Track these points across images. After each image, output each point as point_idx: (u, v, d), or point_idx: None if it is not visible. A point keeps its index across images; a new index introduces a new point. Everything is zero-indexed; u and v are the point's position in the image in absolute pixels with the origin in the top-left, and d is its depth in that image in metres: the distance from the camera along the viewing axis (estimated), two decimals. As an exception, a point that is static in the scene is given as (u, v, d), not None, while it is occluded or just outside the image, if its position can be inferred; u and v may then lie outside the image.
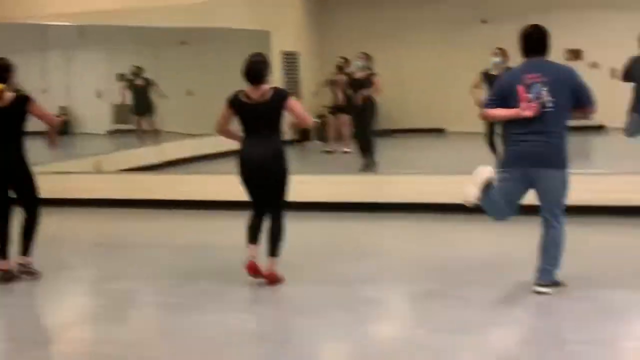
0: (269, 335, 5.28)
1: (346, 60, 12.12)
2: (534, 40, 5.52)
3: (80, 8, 10.44)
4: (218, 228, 8.86)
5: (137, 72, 12.60)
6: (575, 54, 12.19)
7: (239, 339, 5.14)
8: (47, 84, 12.39)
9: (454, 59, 12.54)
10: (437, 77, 13.08)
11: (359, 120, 10.56)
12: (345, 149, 12.03)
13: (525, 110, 5.36)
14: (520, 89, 5.39)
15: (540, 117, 5.36)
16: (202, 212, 9.59)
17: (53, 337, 5.60)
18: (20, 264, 6.55)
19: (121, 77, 13.26)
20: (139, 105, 12.71)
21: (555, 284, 5.53)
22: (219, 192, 9.60)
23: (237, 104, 6.04)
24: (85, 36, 13.15)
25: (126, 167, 11.28)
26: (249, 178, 6.11)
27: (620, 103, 9.07)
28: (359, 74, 10.57)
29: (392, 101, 11.32)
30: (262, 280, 6.10)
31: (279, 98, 5.98)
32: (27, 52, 12.67)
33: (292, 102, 6.03)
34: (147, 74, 12.60)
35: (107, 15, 10.93)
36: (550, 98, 5.37)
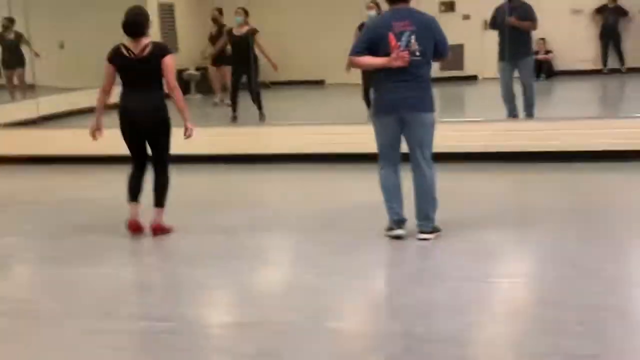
0: (156, 286, 5.33)
1: (220, 12, 12.05)
2: None
3: None
4: (97, 182, 8.75)
5: (8, 25, 12.06)
6: (449, 6, 12.52)
7: (127, 290, 5.17)
8: None
9: (334, 11, 12.64)
10: (316, 28, 13.17)
11: (248, 75, 10.63)
12: (225, 102, 12.02)
13: (397, 61, 5.52)
14: (391, 36, 5.53)
15: (409, 65, 5.53)
16: (79, 167, 9.42)
17: None
18: None
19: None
20: (9, 60, 12.21)
21: (435, 230, 5.79)
22: (95, 146, 9.38)
23: (117, 59, 6.00)
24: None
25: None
26: (130, 132, 6.09)
27: (492, 55, 9.46)
28: (239, 31, 10.62)
29: (271, 53, 11.32)
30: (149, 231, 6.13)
31: (159, 53, 5.97)
32: None
33: (168, 61, 5.97)
34: (17, 26, 12.09)
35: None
36: (418, 46, 5.55)
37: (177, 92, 6.03)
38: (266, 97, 10.84)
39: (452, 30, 11.56)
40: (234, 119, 10.59)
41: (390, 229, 5.84)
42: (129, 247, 6.09)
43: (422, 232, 5.77)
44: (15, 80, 12.35)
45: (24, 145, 9.98)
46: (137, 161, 6.22)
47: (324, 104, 12.36)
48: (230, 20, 11.21)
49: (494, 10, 9.36)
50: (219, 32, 12.05)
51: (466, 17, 12.47)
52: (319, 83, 13.72)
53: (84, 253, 5.95)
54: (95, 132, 6.22)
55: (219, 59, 12.12)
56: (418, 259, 5.56)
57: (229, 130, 9.88)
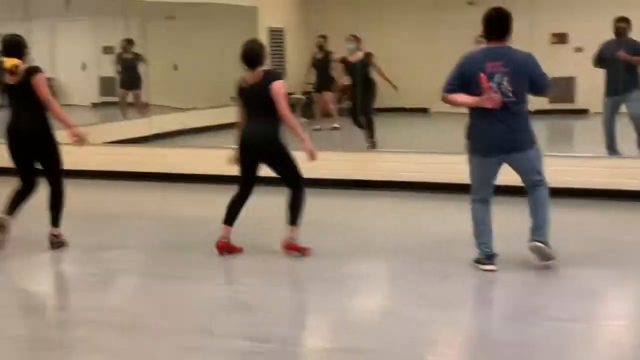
0: (256, 306, 5.39)
1: (324, 38, 12.22)
2: (496, 24, 5.57)
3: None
4: (205, 200, 8.95)
5: (126, 46, 12.56)
6: (561, 38, 12.30)
7: (227, 308, 5.27)
8: (32, 55, 12.34)
9: (439, 40, 12.62)
10: (422, 57, 13.17)
11: (362, 101, 10.74)
12: (335, 125, 12.18)
13: (487, 102, 5.46)
14: (482, 76, 5.48)
15: (503, 106, 5.47)
16: (188, 185, 9.69)
17: (42, 304, 5.70)
18: (52, 234, 6.69)
19: (106, 49, 13.24)
20: (126, 79, 12.68)
21: (546, 243, 5.64)
22: (205, 165, 9.71)
23: (239, 91, 6.23)
24: (71, 7, 13.09)
25: (113, 139, 11.33)
26: (244, 158, 6.25)
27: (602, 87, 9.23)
28: (353, 57, 10.72)
29: (375, 79, 11.39)
30: (249, 252, 6.24)
31: (269, 79, 6.11)
32: (11, 22, 12.63)
33: (277, 86, 6.08)
34: (135, 48, 12.58)
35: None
36: (510, 88, 5.48)
37: (288, 119, 6.15)
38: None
39: (564, 62, 11.42)
40: (373, 145, 10.55)
41: (479, 261, 5.76)
42: (231, 266, 6.22)
43: (533, 240, 5.65)
44: (131, 99, 12.80)
45: (135, 162, 10.34)
46: (244, 185, 6.36)
47: (427, 132, 12.31)
48: (334, 46, 11.36)
49: (600, 47, 9.14)
50: (324, 58, 12.20)
51: (578, 49, 12.21)
52: (423, 111, 13.69)
53: (186, 269, 6.10)
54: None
55: (321, 85, 12.26)
56: (519, 293, 5.45)
57: (333, 155, 9.94)
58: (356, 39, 10.77)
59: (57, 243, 6.71)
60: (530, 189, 5.72)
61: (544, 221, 5.68)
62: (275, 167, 6.27)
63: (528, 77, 5.54)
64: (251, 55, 6.14)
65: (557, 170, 8.14)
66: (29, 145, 6.65)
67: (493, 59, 5.52)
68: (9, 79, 6.52)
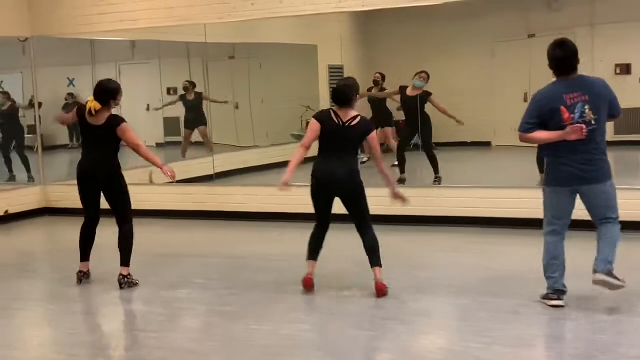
0: (322, 346, 5.39)
1: (383, 77, 12.24)
2: (564, 62, 5.51)
3: (130, 25, 10.71)
4: (266, 239, 9.03)
5: (188, 87, 12.79)
6: (625, 69, 12.09)
7: (292, 348, 5.26)
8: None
9: (501, 73, 12.54)
10: (483, 90, 13.09)
11: (423, 137, 10.76)
12: (395, 163, 12.15)
13: (572, 134, 5.40)
14: (563, 109, 5.43)
15: (586, 137, 5.40)
16: (252, 223, 9.78)
17: (113, 344, 5.79)
18: (121, 275, 6.88)
19: (170, 91, 13.51)
20: (190, 119, 12.89)
21: (611, 274, 5.52)
22: (269, 203, 9.81)
23: (326, 121, 6.25)
24: (135, 51, 13.44)
25: (178, 179, 11.51)
26: (322, 196, 6.30)
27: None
28: (413, 92, 10.73)
29: (437, 114, 11.35)
30: (316, 290, 6.26)
31: (365, 127, 6.25)
32: (79, 66, 13.03)
33: (373, 135, 6.26)
34: (197, 88, 12.82)
35: (156, 32, 11.19)
36: (593, 115, 5.42)
37: (381, 162, 6.33)
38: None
39: (629, 93, 11.21)
40: (402, 180, 10.59)
41: (548, 297, 5.66)
42: (295, 305, 6.23)
43: (596, 272, 5.53)
44: (195, 138, 12.94)
45: (199, 201, 10.49)
46: (321, 222, 6.40)
47: (490, 166, 12.20)
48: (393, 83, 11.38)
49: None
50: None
51: (645, 79, 12.00)
52: (485, 145, 13.58)
53: (251, 308, 6.14)
54: (284, 185, 6.26)
55: (380, 121, 12.23)
56: (588, 331, 5.32)
57: (387, 191, 9.92)
58: (427, 76, 10.76)
59: (126, 283, 6.85)
60: (602, 225, 5.61)
61: (609, 254, 5.55)
62: (357, 205, 6.28)
63: (607, 101, 5.51)
64: (344, 93, 6.22)
65: (625, 202, 7.99)
66: (98, 185, 6.90)
67: (571, 90, 5.47)
68: (90, 119, 6.81)
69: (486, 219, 8.78)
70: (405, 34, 11.93)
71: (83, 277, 7.07)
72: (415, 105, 10.70)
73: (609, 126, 5.75)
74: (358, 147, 6.33)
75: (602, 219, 5.61)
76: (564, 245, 5.68)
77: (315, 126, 6.25)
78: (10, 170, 12.15)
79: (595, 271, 5.54)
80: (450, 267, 7.29)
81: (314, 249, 6.37)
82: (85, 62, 12.70)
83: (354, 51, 14.00)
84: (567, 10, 11.30)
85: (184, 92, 12.88)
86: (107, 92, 6.81)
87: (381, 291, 6.17)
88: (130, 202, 7.03)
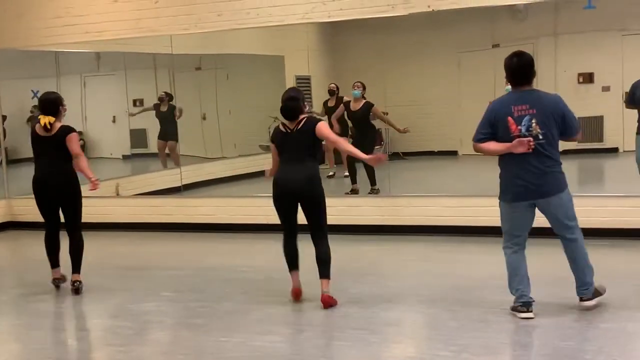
0: (292, 356, 5.37)
1: (337, 87, 12.29)
2: (518, 71, 5.56)
3: (95, 37, 10.65)
4: (235, 250, 9.01)
5: (164, 97, 12.70)
6: (588, 78, 12.28)
7: (260, 358, 5.23)
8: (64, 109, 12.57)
9: (466, 83, 12.66)
10: (450, 100, 13.20)
11: (364, 148, 10.80)
12: (346, 173, 12.17)
13: (518, 147, 5.44)
14: (510, 120, 5.48)
15: (533, 150, 5.44)
16: (219, 234, 9.75)
17: (82, 359, 5.73)
18: (78, 281, 7.07)
19: (136, 102, 13.42)
20: (162, 130, 12.80)
21: (597, 293, 5.68)
22: (237, 214, 9.80)
23: (277, 137, 6.33)
24: (101, 62, 13.35)
25: (144, 190, 11.47)
26: (283, 202, 6.30)
27: (632, 127, 9.17)
28: (356, 105, 10.80)
29: (403, 124, 11.42)
30: (281, 300, 6.24)
31: (312, 125, 6.24)
32: (43, 78, 12.90)
33: (321, 127, 6.24)
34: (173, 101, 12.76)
35: (122, 43, 11.13)
36: (540, 130, 5.46)
37: (341, 141, 6.46)
38: (399, 167, 10.92)
39: (591, 102, 11.39)
40: (355, 190, 10.63)
41: (515, 309, 5.70)
42: (265, 316, 6.20)
43: (582, 300, 5.65)
44: (168, 150, 12.89)
45: (166, 213, 10.44)
46: (289, 230, 6.41)
47: (456, 175, 12.28)
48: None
49: (632, 87, 9.12)
50: (336, 105, 12.22)
51: (606, 88, 12.16)
52: (452, 154, 13.68)
53: (221, 320, 6.11)
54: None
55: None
56: (555, 338, 5.37)
57: (362, 200, 9.97)
58: (362, 85, 10.89)
59: (80, 288, 7.03)
60: (564, 240, 5.65)
61: (583, 276, 5.63)
62: (309, 210, 6.28)
63: (558, 118, 5.51)
64: (292, 109, 6.27)
65: (589, 210, 8.11)
66: (54, 194, 7.03)
67: (519, 102, 5.51)
68: (42, 133, 6.97)
69: (454, 227, 8.85)
70: (371, 44, 11.97)
71: (59, 282, 7.19)
72: (360, 117, 10.80)
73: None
74: (315, 150, 6.31)
75: (561, 232, 5.64)
76: (524, 257, 5.72)
77: (273, 149, 6.41)
78: None
79: (580, 299, 5.64)
80: (419, 276, 7.32)
81: (291, 258, 6.37)
82: (50, 75, 12.59)
83: (321, 61, 14.05)
84: (531, 20, 11.45)
85: (158, 102, 12.78)
86: (53, 102, 7.04)
87: (327, 303, 6.18)
88: (81, 211, 7.14)
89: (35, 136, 7.07)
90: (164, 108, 12.63)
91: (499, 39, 12.37)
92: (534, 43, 11.68)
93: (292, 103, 6.28)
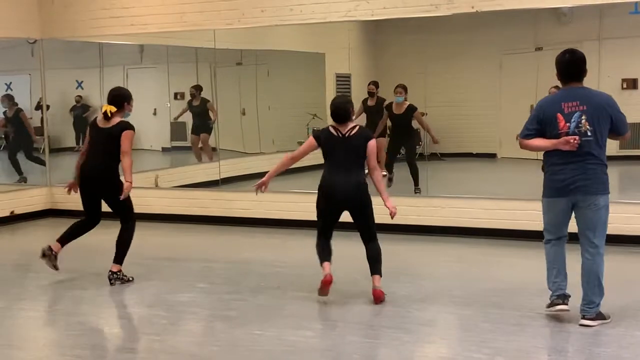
0: (325, 352, 5.40)
1: (377, 85, 12.25)
2: (571, 67, 5.53)
3: (139, 29, 10.76)
4: (270, 245, 9.05)
5: (194, 92, 12.82)
6: (632, 84, 12.12)
7: (296, 354, 5.26)
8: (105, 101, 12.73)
9: (508, 85, 12.57)
10: (490, 102, 13.13)
11: (407, 149, 10.83)
12: (383, 173, 12.15)
13: (564, 145, 5.41)
14: (560, 117, 5.45)
15: (579, 147, 5.41)
16: (255, 228, 9.81)
17: (117, 346, 5.81)
18: (110, 271, 7.12)
19: (177, 95, 13.55)
20: (196, 125, 12.92)
21: (600, 317, 5.55)
22: (274, 210, 9.85)
23: (324, 137, 6.36)
24: (143, 55, 13.50)
25: (183, 183, 11.58)
26: (329, 207, 6.35)
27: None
28: (399, 108, 10.81)
29: (442, 125, 11.40)
30: (315, 296, 6.27)
31: (365, 137, 6.32)
32: (87, 69, 13.10)
33: (372, 145, 6.29)
34: (204, 93, 12.86)
35: (165, 36, 11.24)
36: (589, 127, 5.42)
37: (376, 173, 6.35)
38: (437, 168, 10.89)
39: (635, 108, 11.23)
40: (419, 191, 10.58)
41: (552, 303, 5.65)
42: (300, 311, 6.23)
43: (583, 317, 5.54)
44: (201, 144, 13.01)
45: (204, 206, 10.52)
46: (323, 234, 6.43)
47: (494, 177, 12.21)
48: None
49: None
50: (375, 105, 12.18)
51: (650, 95, 12.03)
52: (491, 156, 13.60)
53: (255, 313, 6.16)
54: (259, 188, 6.48)
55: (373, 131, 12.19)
56: (590, 343, 5.32)
57: (401, 200, 9.92)
58: (404, 89, 10.86)
59: (115, 279, 7.09)
60: (584, 254, 5.53)
61: (592, 295, 5.51)
62: (358, 217, 6.34)
63: (607, 116, 5.46)
64: (344, 112, 6.32)
65: (629, 217, 8.02)
66: (94, 189, 7.10)
67: (570, 99, 5.48)
68: (101, 124, 7.01)
69: (490, 230, 8.80)
70: (412, 44, 11.95)
71: (46, 252, 7.17)
72: (402, 122, 10.79)
73: (614, 141, 5.75)
74: (363, 158, 6.34)
75: (584, 245, 5.53)
76: (563, 253, 5.68)
77: (310, 141, 6.40)
78: (20, 172, 12.17)
79: (582, 317, 5.54)
80: (454, 277, 7.30)
81: (324, 252, 6.38)
82: (93, 65, 12.78)
83: (361, 60, 14.06)
84: (575, 24, 11.33)
85: (190, 98, 12.91)
86: (122, 96, 7.15)
87: (378, 298, 6.21)
88: (128, 204, 7.18)
89: (93, 125, 7.18)
90: (196, 102, 12.76)
91: (542, 42, 12.27)
92: (578, 47, 11.56)
93: (344, 105, 6.37)
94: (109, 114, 6.98)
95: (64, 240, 7.24)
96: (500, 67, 12.71)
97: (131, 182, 7.00)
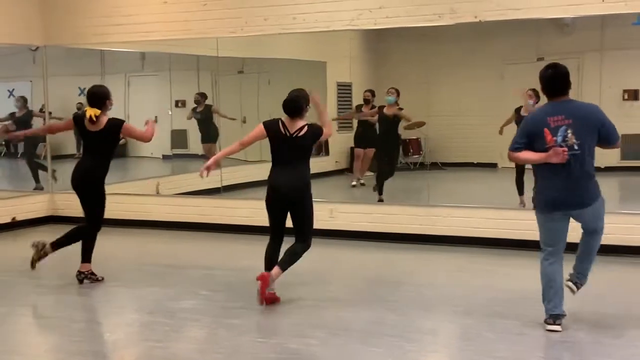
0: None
1: (373, 94, 12.27)
2: (554, 82, 5.55)
3: (142, 37, 10.79)
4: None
5: (199, 99, 12.82)
6: (633, 95, 12.16)
7: (298, 362, 5.28)
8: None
9: (509, 95, 12.59)
10: (491, 112, 13.14)
11: (389, 155, 10.84)
12: (356, 182, 12.16)
13: (553, 157, 5.44)
14: (546, 131, 5.47)
15: (568, 160, 5.43)
16: (258, 236, 9.75)
17: (119, 352, 5.81)
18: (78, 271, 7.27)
19: (178, 103, 13.57)
20: (203, 133, 12.90)
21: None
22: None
23: (272, 130, 6.39)
24: (145, 62, 13.52)
25: (184, 190, 11.58)
26: (273, 205, 6.43)
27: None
28: (389, 111, 10.83)
29: (443, 134, 11.41)
30: (318, 304, 6.27)
31: (314, 134, 6.35)
32: (89, 76, 13.10)
33: (324, 134, 6.40)
34: (208, 100, 12.87)
35: (168, 44, 11.27)
36: (575, 140, 5.43)
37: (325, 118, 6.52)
38: (438, 177, 10.90)
39: (636, 119, 11.26)
40: (381, 200, 10.59)
41: (546, 321, 5.69)
42: (301, 319, 6.23)
43: (575, 283, 5.77)
44: (209, 152, 12.98)
45: (205, 214, 10.52)
46: (273, 233, 6.54)
47: (495, 187, 12.22)
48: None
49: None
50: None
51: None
52: (492, 166, 13.62)
53: (256, 321, 6.16)
54: (205, 170, 6.67)
55: (365, 141, 12.14)
56: (592, 356, 5.32)
57: (400, 209, 9.94)
58: (396, 91, 10.89)
59: (86, 278, 7.23)
60: (588, 234, 5.71)
61: (589, 268, 5.76)
62: (294, 214, 6.40)
63: (594, 128, 5.48)
64: (293, 104, 6.35)
65: (630, 227, 8.03)
66: (82, 194, 7.15)
67: (555, 113, 5.50)
68: (90, 127, 7.00)
69: (491, 239, 8.81)
70: (414, 54, 11.99)
71: (81, 277, 7.27)
72: (390, 123, 10.79)
73: (615, 152, 5.79)
74: (308, 156, 6.39)
75: (590, 230, 5.72)
76: (560, 270, 5.71)
77: (260, 129, 6.47)
78: (37, 180, 12.12)
79: (575, 283, 5.78)
80: (455, 286, 7.30)
81: (269, 261, 6.46)
82: (94, 73, 12.78)
83: (363, 69, 14.09)
84: (577, 35, 11.37)
85: (195, 105, 12.91)
86: (101, 95, 7.15)
87: (264, 283, 6.32)
88: (101, 210, 7.24)
89: (83, 131, 7.18)
90: (200, 109, 12.76)
91: (544, 53, 12.29)
92: (580, 58, 11.61)
93: (297, 98, 6.36)
94: (94, 119, 6.99)
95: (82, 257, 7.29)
96: (502, 77, 12.74)
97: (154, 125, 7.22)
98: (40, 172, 12.07)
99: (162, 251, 9.22)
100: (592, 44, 11.62)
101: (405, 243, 9.07)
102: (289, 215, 6.49)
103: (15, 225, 10.76)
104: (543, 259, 5.75)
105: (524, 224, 8.62)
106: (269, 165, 6.72)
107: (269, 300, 6.31)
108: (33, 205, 11.25)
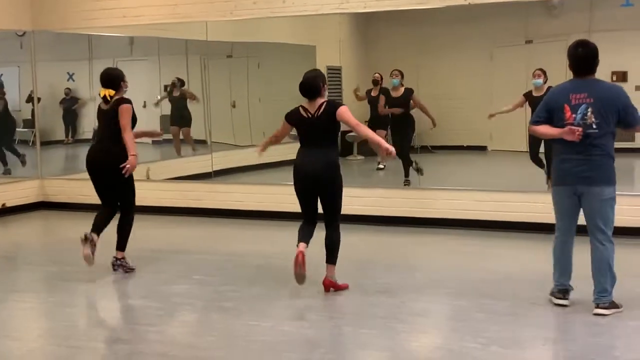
0: (321, 342, 5.42)
1: (381, 76, 12.28)
2: (582, 61, 5.57)
3: (131, 21, 10.74)
4: (264, 237, 9.07)
5: (176, 82, 12.79)
6: (621, 76, 12.19)
7: (292, 344, 5.30)
8: (96, 92, 12.69)
9: (499, 77, 12.62)
10: (481, 95, 13.18)
11: (401, 137, 10.81)
12: (380, 165, 12.19)
13: (568, 135, 5.49)
14: (566, 108, 5.52)
15: (584, 138, 5.48)
16: (248, 221, 9.83)
17: (112, 336, 5.83)
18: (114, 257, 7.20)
19: (167, 88, 13.53)
20: (176, 117, 12.91)
21: (613, 306, 5.60)
22: (262, 202, 9.88)
23: (293, 119, 6.34)
24: (134, 47, 13.45)
25: (174, 175, 11.57)
26: (302, 187, 6.34)
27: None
28: (396, 93, 10.83)
29: (433, 116, 11.42)
30: (310, 287, 6.30)
31: (332, 110, 6.21)
32: (77, 61, 13.04)
33: (343, 111, 6.20)
34: (195, 86, 12.83)
35: (157, 28, 11.22)
36: (594, 119, 5.48)
37: (361, 127, 6.29)
38: (428, 160, 10.92)
39: (625, 100, 11.31)
40: (408, 183, 10.57)
41: (553, 294, 5.78)
42: (294, 302, 6.28)
43: (597, 307, 5.59)
44: (181, 136, 12.98)
45: (196, 199, 10.53)
46: (307, 216, 6.44)
47: (485, 170, 12.27)
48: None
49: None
50: (379, 95, 12.23)
51: (639, 88, 12.08)
52: (481, 149, 13.66)
53: (249, 305, 6.18)
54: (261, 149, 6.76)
55: (376, 122, 12.23)
56: (583, 335, 5.39)
57: (391, 192, 9.98)
58: (400, 73, 10.89)
59: (119, 266, 7.14)
60: (594, 243, 5.60)
61: (604, 282, 5.56)
62: (324, 197, 6.31)
63: (615, 109, 5.51)
64: (311, 86, 6.23)
65: (620, 209, 8.07)
66: (102, 175, 7.06)
67: (578, 90, 5.54)
68: (103, 106, 7.07)
69: (482, 221, 8.85)
70: (404, 37, 11.98)
71: (87, 239, 6.97)
72: (401, 105, 10.79)
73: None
74: (334, 133, 6.30)
75: (594, 234, 5.60)
76: (569, 247, 5.74)
77: (283, 125, 6.47)
78: (5, 163, 12.12)
79: (596, 305, 5.58)
80: (447, 268, 7.35)
81: (301, 233, 6.35)
82: (83, 58, 12.72)
83: (353, 52, 14.06)
84: (565, 17, 11.38)
85: (171, 89, 12.89)
86: (115, 77, 7.09)
87: (327, 287, 6.29)
88: (131, 193, 7.23)
89: (98, 110, 7.18)
90: (176, 93, 12.74)
91: (533, 35, 12.32)
92: (568, 40, 11.51)
93: (312, 80, 6.25)
94: (109, 98, 6.96)
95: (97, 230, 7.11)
96: (491, 60, 12.76)
97: (136, 155, 6.89)
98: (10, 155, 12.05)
99: (154, 236, 9.23)
100: (581, 26, 11.61)
101: (396, 226, 9.11)
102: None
103: (5, 212, 10.73)
104: (556, 235, 5.81)
105: (514, 206, 8.71)
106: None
107: (327, 286, 6.31)
108: (23, 192, 11.21)
